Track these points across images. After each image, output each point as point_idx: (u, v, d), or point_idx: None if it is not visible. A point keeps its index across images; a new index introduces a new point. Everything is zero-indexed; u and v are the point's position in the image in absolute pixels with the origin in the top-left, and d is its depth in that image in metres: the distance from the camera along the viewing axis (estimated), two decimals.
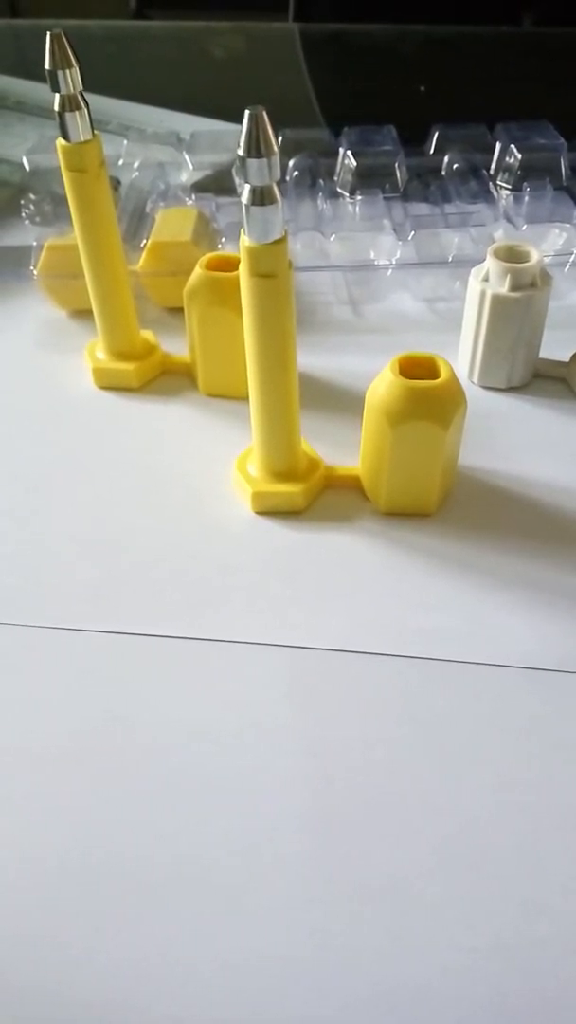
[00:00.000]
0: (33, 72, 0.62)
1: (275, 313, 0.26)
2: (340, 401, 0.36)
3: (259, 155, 0.22)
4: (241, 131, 0.22)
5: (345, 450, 0.32)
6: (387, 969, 0.20)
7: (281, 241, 0.25)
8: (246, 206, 0.24)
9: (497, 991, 0.20)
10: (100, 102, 0.53)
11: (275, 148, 0.23)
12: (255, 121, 0.22)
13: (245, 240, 0.25)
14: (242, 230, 0.25)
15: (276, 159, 0.23)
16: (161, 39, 0.79)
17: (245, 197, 0.24)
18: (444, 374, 0.28)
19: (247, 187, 0.23)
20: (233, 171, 0.46)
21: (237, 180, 0.46)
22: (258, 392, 0.28)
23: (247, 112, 0.22)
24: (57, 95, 0.29)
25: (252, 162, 0.23)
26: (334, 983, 0.20)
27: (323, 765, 0.24)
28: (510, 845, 0.22)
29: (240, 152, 0.23)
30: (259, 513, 0.31)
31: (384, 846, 0.22)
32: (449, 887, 0.21)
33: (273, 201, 0.24)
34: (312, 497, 0.31)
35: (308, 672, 0.26)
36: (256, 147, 0.22)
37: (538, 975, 0.20)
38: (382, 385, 0.28)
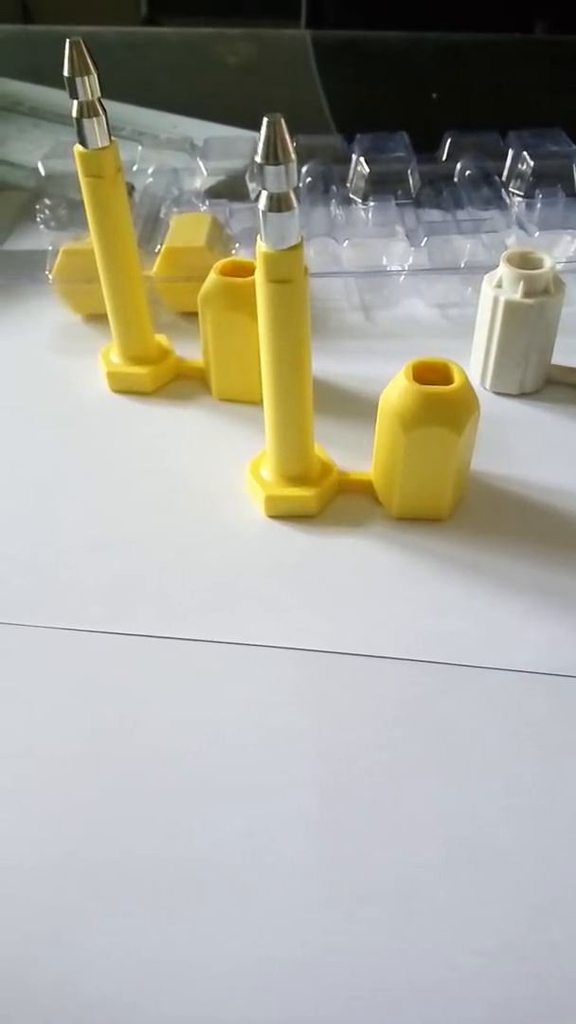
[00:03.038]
0: (46, 78, 0.62)
1: (290, 318, 0.26)
2: (353, 406, 0.36)
3: (277, 162, 0.23)
4: (259, 138, 0.22)
5: (358, 455, 0.32)
6: (396, 972, 0.20)
7: (297, 247, 0.25)
8: (263, 212, 0.24)
9: (507, 995, 0.20)
10: (114, 108, 0.53)
11: (292, 155, 0.23)
12: (273, 128, 0.22)
13: (261, 246, 0.25)
14: (258, 236, 0.25)
15: (293, 166, 0.23)
16: (173, 45, 0.79)
17: (262, 203, 0.24)
18: (458, 380, 0.28)
19: (264, 193, 0.24)
20: (247, 177, 0.47)
21: (251, 186, 0.46)
22: (272, 397, 0.28)
23: (265, 119, 0.22)
24: (75, 102, 0.29)
25: (270, 169, 0.23)
26: (342, 985, 0.20)
27: (334, 767, 0.24)
28: (521, 849, 0.22)
29: (258, 159, 0.23)
30: (272, 517, 0.31)
31: (394, 848, 0.22)
32: (459, 890, 0.22)
33: (290, 207, 0.24)
34: (325, 501, 0.32)
35: (319, 675, 0.26)
36: (274, 154, 0.22)
37: (549, 979, 0.20)
38: (395, 390, 0.28)
